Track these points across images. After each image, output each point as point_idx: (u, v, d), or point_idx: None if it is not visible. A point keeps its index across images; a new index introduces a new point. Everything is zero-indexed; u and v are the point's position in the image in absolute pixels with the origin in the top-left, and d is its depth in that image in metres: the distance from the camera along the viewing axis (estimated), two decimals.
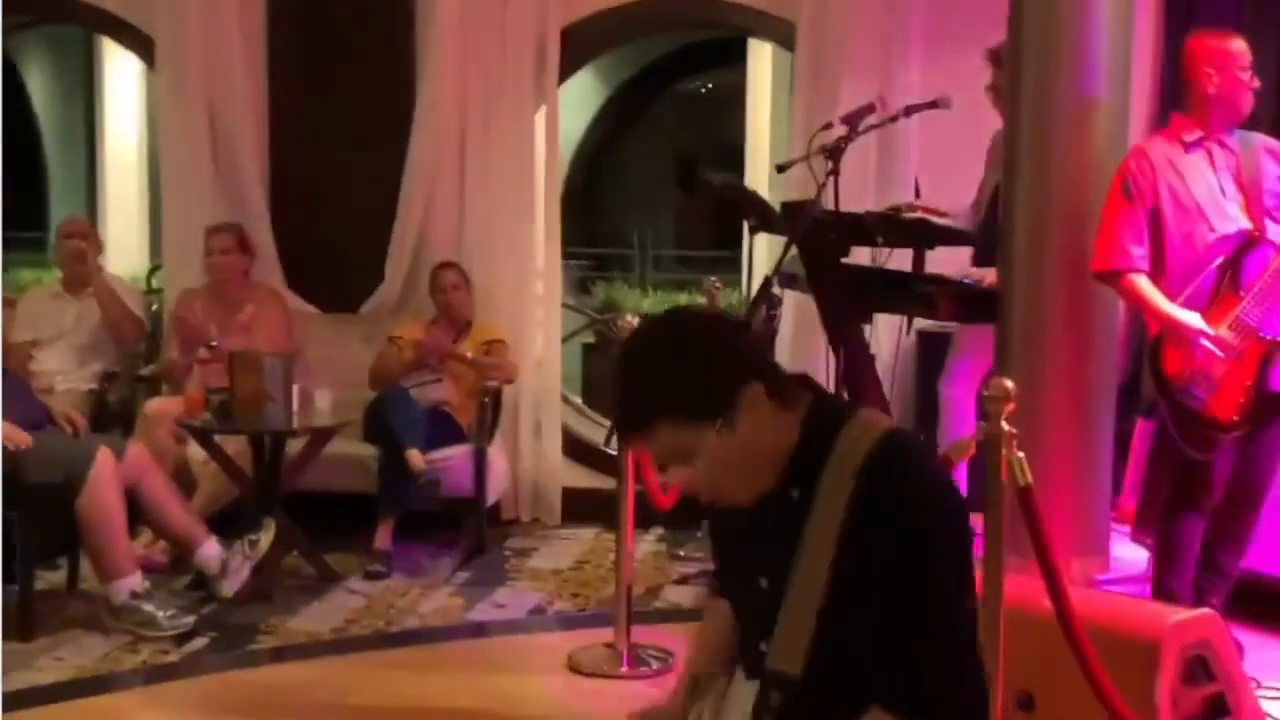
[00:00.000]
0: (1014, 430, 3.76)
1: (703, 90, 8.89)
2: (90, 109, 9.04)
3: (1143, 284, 4.85)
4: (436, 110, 7.33)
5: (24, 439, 5.49)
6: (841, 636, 2.12)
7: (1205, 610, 4.34)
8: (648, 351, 2.22)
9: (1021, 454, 3.75)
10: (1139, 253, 4.86)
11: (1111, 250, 4.88)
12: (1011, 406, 3.77)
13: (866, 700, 2.12)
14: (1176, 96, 5.51)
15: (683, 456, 2.17)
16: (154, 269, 8.27)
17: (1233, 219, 4.89)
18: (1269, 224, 4.91)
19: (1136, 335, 6.36)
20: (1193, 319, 4.75)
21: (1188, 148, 4.92)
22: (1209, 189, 4.92)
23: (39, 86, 9.16)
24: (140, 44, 7.66)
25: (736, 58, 8.41)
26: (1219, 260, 4.85)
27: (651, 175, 11.41)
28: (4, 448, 5.48)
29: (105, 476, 5.52)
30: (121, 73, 8.81)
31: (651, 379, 2.17)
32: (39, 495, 5.45)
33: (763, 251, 7.44)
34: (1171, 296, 4.84)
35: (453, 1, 7.25)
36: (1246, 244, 4.85)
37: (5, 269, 7.83)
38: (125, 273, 7.47)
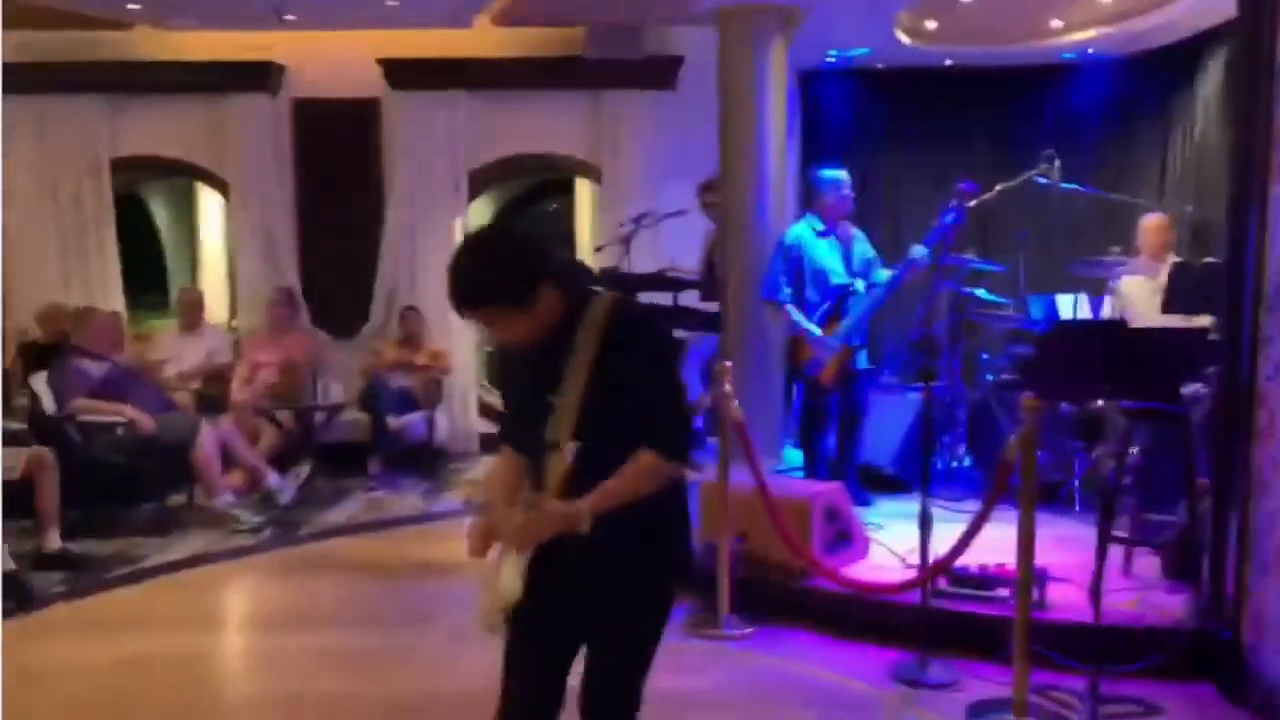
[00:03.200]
0: (730, 389, 4.04)
1: (551, 208, 9.00)
2: (192, 222, 8.88)
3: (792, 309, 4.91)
4: (398, 213, 7.29)
5: (150, 423, 5.50)
6: (595, 415, 2.03)
7: (835, 484, 4.53)
8: (480, 256, 2.03)
9: (736, 402, 4.05)
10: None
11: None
12: (729, 375, 4.06)
13: (627, 453, 2.04)
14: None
15: (496, 324, 2.05)
16: (233, 316, 8.16)
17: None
18: None
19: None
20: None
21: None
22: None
23: (160, 211, 8.93)
24: (220, 184, 7.59)
25: (570, 188, 8.42)
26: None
27: None
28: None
29: (206, 438, 5.62)
30: (209, 200, 8.66)
31: (482, 277, 2.00)
32: (168, 450, 5.55)
33: None
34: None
35: (406, 150, 7.22)
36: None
37: (140, 320, 7.77)
38: (216, 320, 7.60)
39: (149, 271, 8.38)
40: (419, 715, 3.51)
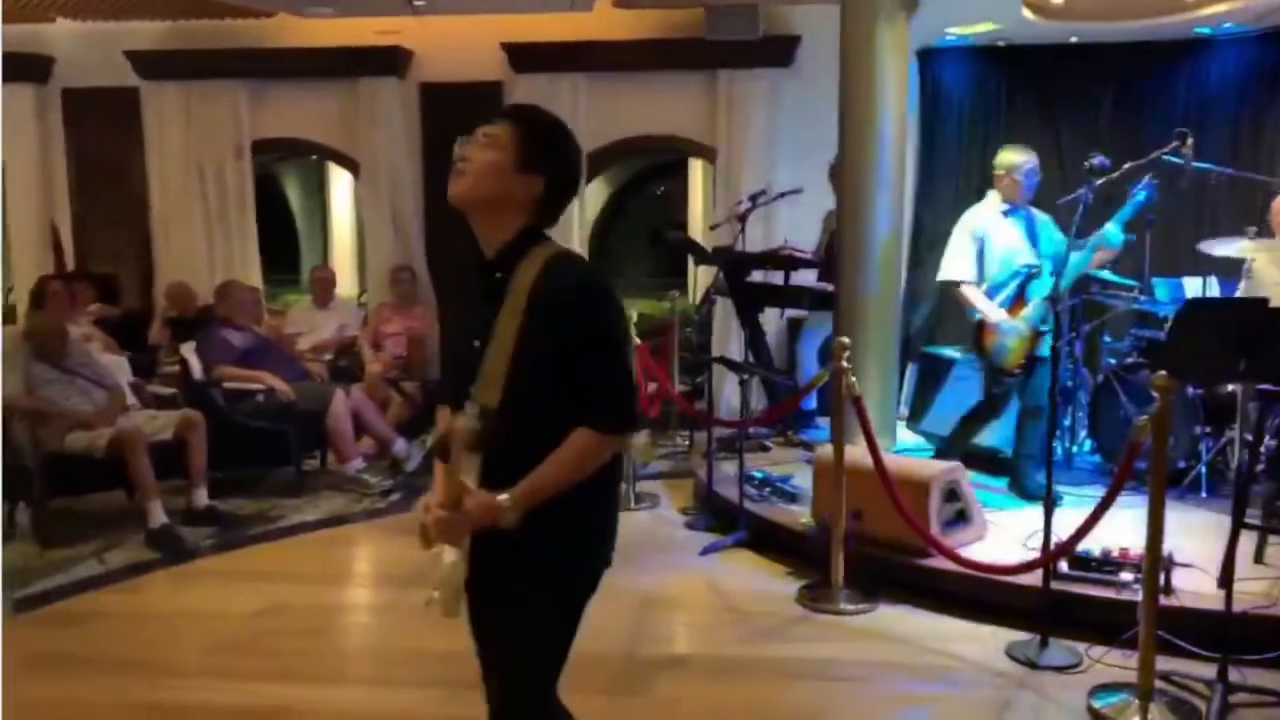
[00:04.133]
0: (849, 365, 4.06)
1: (660, 190, 8.98)
2: (324, 202, 9.01)
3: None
4: None
5: (288, 390, 5.70)
6: (525, 376, 1.85)
7: (955, 463, 4.37)
8: (549, 120, 1.98)
9: (854, 378, 4.04)
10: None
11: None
12: (847, 353, 4.05)
13: (566, 426, 1.86)
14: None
15: (492, 151, 1.91)
16: (362, 292, 8.30)
17: None
18: None
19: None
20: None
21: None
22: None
23: (293, 191, 9.11)
24: (351, 165, 7.64)
25: (680, 171, 8.35)
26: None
27: (632, 236, 11.37)
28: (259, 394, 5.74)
29: (339, 406, 5.77)
30: (340, 181, 8.89)
31: (537, 126, 1.94)
32: (304, 417, 5.72)
33: (699, 276, 7.45)
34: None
35: None
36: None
37: (274, 296, 7.96)
38: (345, 294, 7.81)
39: (281, 250, 8.66)
40: None
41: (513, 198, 1.91)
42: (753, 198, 5.81)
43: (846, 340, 4.11)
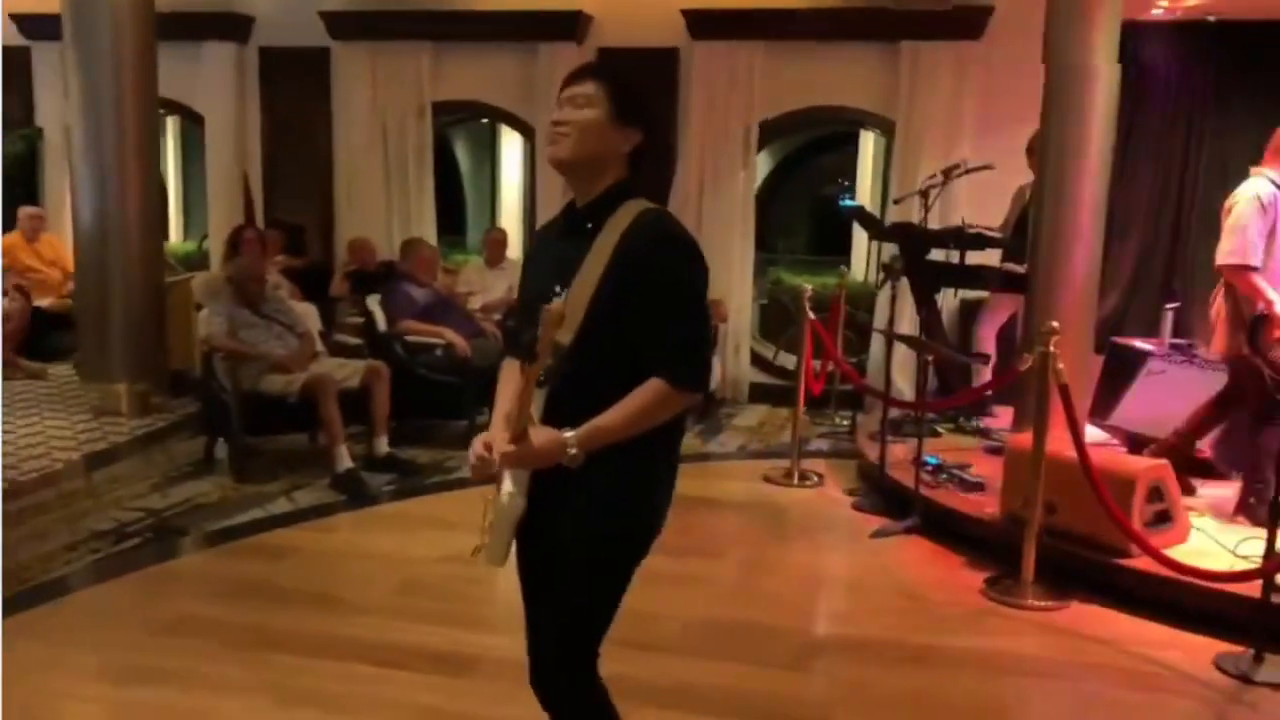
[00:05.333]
0: (1056, 351, 3.77)
1: (826, 163, 8.83)
2: (493, 166, 9.18)
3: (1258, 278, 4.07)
4: (688, 160, 7.20)
5: (465, 346, 5.81)
6: (601, 320, 1.84)
7: (1161, 460, 4.16)
8: (628, 76, 2.02)
9: (1062, 365, 3.75)
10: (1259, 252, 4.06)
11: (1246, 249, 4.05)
12: (1056, 337, 3.77)
13: (634, 376, 1.85)
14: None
15: (578, 107, 1.92)
16: None
17: None
18: None
19: None
20: None
21: None
22: None
23: (463, 153, 9.30)
24: (525, 128, 7.75)
25: (844, 143, 8.10)
26: None
27: (794, 210, 11.11)
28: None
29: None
30: (510, 145, 8.97)
31: (623, 80, 1.97)
32: (478, 372, 5.68)
33: (872, 250, 7.35)
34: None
35: (702, 99, 7.12)
36: None
37: (444, 256, 7.95)
38: (513, 257, 7.90)
39: (448, 213, 8.74)
40: (712, 638, 3.59)
41: (614, 152, 1.93)
42: (945, 172, 5.59)
43: (1056, 324, 3.89)
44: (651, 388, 1.84)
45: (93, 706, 3.10)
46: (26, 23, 8.01)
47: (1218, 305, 4.38)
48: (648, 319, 1.84)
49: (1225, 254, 4.18)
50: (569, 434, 1.82)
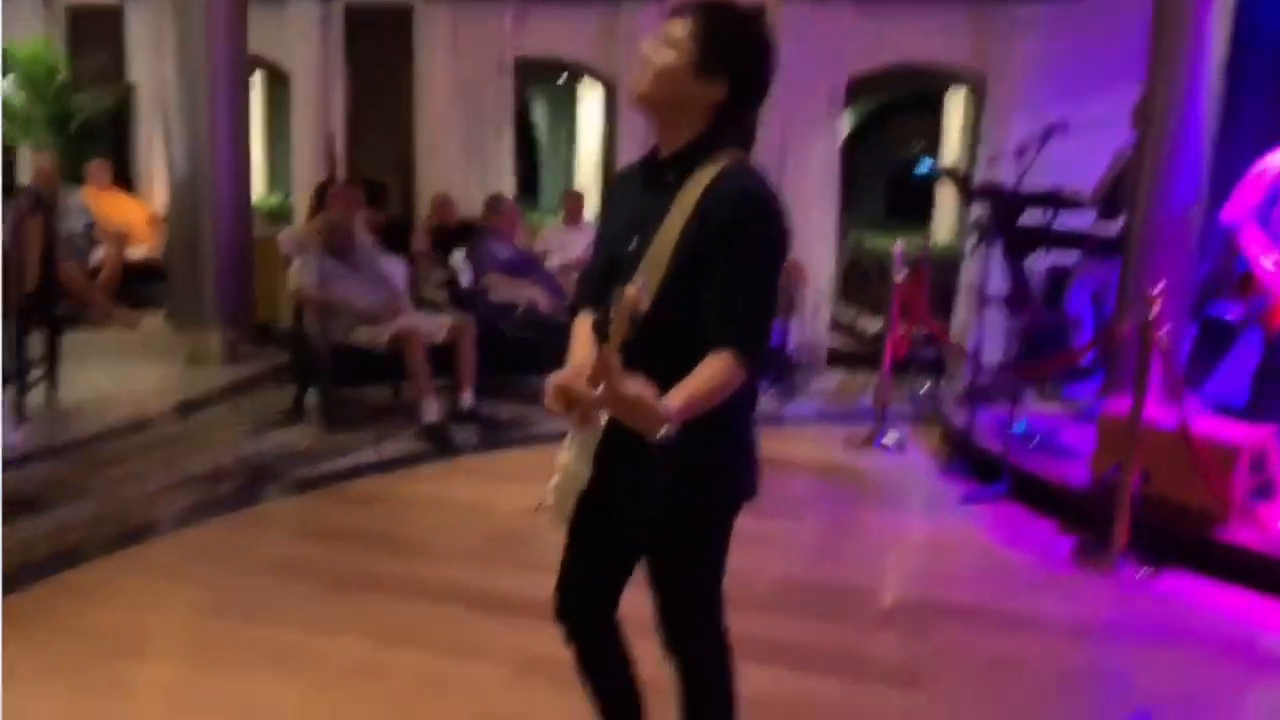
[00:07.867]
0: (1158, 316, 3.66)
1: (909, 123, 8.65)
2: (570, 127, 9.16)
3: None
4: (773, 116, 6.74)
5: (547, 303, 5.89)
6: (683, 283, 1.74)
7: (1267, 430, 4.02)
8: (737, 17, 1.81)
9: (1165, 330, 3.63)
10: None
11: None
12: (1158, 303, 3.68)
13: (702, 346, 1.72)
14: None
15: (669, 52, 1.77)
16: None
17: None
18: None
19: None
20: None
21: None
22: None
23: (541, 116, 9.35)
24: (606, 83, 7.80)
25: (921, 107, 7.97)
26: None
27: (871, 171, 10.96)
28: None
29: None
30: (588, 104, 8.98)
31: (722, 23, 1.78)
32: (559, 330, 5.48)
33: (960, 212, 7.25)
34: None
35: (788, 56, 7.02)
36: None
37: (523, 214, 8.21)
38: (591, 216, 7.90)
39: (524, 173, 8.80)
40: (801, 597, 3.59)
41: (693, 103, 1.78)
42: (1045, 131, 5.31)
43: (1158, 289, 3.78)
44: (722, 359, 1.70)
45: (204, 639, 3.20)
46: None
47: None
48: (719, 284, 1.73)
49: None
50: (666, 405, 1.62)
